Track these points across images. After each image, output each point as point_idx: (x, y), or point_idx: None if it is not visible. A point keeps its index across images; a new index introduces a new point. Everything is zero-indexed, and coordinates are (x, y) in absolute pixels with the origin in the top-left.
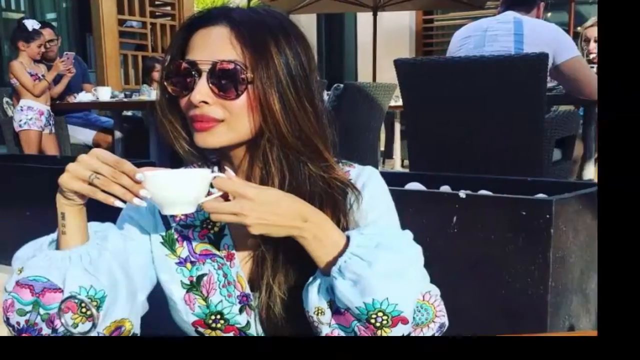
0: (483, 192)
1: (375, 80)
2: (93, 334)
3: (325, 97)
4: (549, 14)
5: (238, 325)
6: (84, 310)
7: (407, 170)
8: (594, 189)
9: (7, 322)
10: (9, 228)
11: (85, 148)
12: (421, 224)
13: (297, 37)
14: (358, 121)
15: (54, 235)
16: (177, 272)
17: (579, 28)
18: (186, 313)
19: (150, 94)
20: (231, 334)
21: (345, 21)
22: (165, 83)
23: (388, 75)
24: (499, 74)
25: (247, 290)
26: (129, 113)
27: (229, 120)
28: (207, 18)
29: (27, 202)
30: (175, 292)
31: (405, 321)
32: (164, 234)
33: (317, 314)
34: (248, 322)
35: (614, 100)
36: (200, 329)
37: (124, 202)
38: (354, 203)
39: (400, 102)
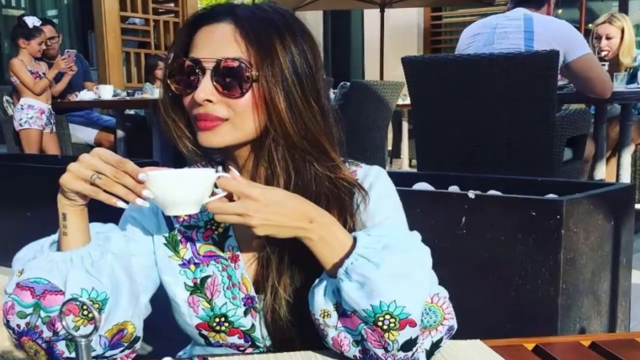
0: (492, 192)
1: (382, 78)
2: (95, 337)
3: (332, 96)
4: (560, 11)
5: (243, 328)
6: (85, 312)
7: (415, 170)
8: (605, 189)
9: (7, 324)
10: (9, 229)
11: (87, 147)
12: (429, 224)
13: (302, 34)
14: (365, 120)
15: (55, 237)
16: (180, 273)
17: (590, 25)
18: (190, 316)
19: (153, 92)
20: (236, 337)
21: (352, 18)
22: (169, 81)
23: (395, 73)
24: (508, 72)
25: (252, 292)
26: (132, 112)
27: (234, 119)
28: (211, 15)
29: (28, 203)
30: (179, 294)
31: (413, 324)
32: (167, 235)
33: (323, 317)
34: (253, 325)
35: None
36: (204, 332)
37: (127, 202)
38: (360, 203)
39: (408, 101)
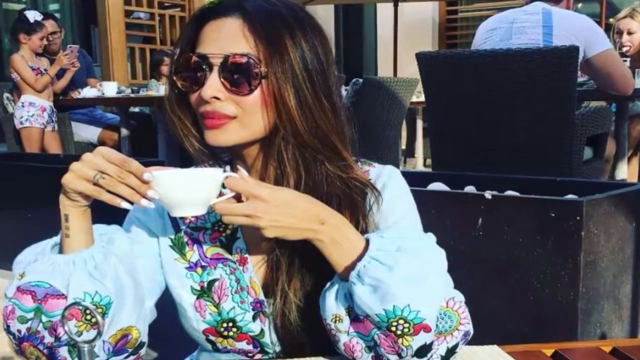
0: (510, 192)
1: (396, 75)
2: (98, 342)
3: (344, 93)
4: (580, 5)
5: (251, 334)
6: (88, 317)
7: (429, 170)
8: (627, 189)
9: (8, 330)
10: (9, 230)
11: (90, 146)
12: (445, 226)
13: (313, 29)
14: (378, 118)
15: (57, 239)
16: (187, 277)
17: (611, 20)
18: (197, 320)
19: (159, 89)
20: (244, 343)
21: (364, 12)
22: (175, 78)
23: (409, 69)
24: (526, 68)
25: (261, 296)
26: (136, 109)
27: (242, 117)
28: (219, 9)
29: (29, 204)
30: (185, 298)
31: (427, 329)
32: (173, 236)
33: (335, 322)
34: (262, 330)
35: None
36: (212, 338)
37: (131, 203)
38: (373, 204)
39: (422, 98)
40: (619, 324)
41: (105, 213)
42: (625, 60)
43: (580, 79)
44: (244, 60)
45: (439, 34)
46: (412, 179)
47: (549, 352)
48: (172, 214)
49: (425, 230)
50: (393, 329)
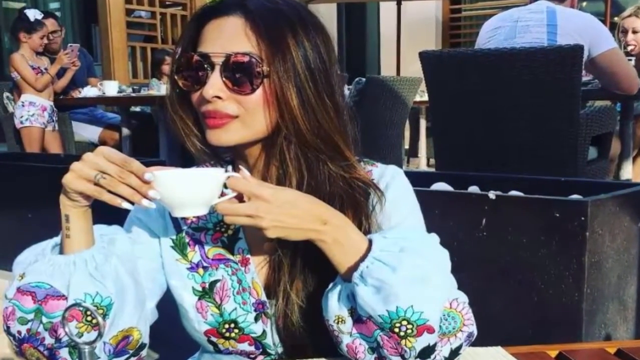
0: (513, 192)
1: (399, 74)
2: (99, 344)
3: (346, 92)
4: (584, 4)
5: (253, 335)
6: (89, 318)
7: (433, 170)
8: (632, 189)
9: (8, 331)
10: (9, 231)
11: (91, 146)
12: (448, 226)
13: (316, 27)
14: (381, 117)
15: (57, 239)
16: (188, 277)
17: (615, 18)
18: (198, 322)
19: (160, 88)
20: (246, 344)
21: (367, 11)
22: (176, 77)
23: (413, 68)
24: (530, 67)
25: (263, 297)
26: (137, 109)
27: (244, 117)
28: (221, 8)
29: (29, 204)
30: (187, 299)
31: (431, 330)
32: (174, 237)
33: (338, 323)
34: (264, 331)
35: None
36: (213, 339)
37: (132, 203)
38: (376, 205)
39: (425, 97)
40: (623, 325)
41: (106, 213)
42: (630, 59)
43: (584, 78)
44: (246, 59)
45: (443, 32)
46: (415, 178)
47: (553, 353)
48: (173, 214)
49: (429, 230)
50: (396, 330)
